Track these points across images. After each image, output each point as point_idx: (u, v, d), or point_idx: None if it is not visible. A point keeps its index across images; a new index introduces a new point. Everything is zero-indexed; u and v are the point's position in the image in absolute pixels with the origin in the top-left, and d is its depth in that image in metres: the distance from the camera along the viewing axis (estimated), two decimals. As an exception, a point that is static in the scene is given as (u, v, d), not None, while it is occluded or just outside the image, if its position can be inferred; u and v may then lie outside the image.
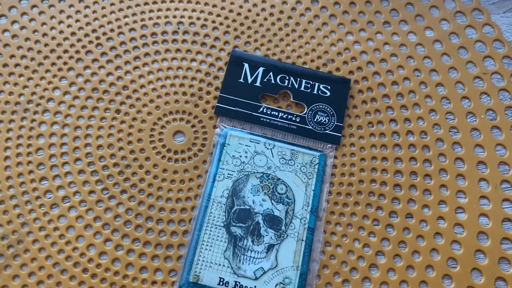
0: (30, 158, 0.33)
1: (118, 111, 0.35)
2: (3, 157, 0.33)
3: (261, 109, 0.35)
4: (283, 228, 0.32)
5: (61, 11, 0.37)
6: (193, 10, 0.38)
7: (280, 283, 0.31)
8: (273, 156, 0.34)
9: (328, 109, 0.35)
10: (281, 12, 0.38)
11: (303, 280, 0.31)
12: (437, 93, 0.37)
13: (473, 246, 0.33)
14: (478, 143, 0.35)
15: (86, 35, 0.37)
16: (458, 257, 0.33)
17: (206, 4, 0.38)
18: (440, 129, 0.36)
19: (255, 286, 0.31)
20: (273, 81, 0.36)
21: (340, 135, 0.35)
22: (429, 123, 0.36)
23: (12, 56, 0.36)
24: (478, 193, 0.34)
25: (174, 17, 0.38)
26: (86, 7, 0.38)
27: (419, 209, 0.34)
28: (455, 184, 0.34)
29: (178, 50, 0.37)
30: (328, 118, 0.35)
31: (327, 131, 0.35)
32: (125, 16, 0.37)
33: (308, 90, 0.36)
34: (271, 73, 0.36)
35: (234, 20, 0.38)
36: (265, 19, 0.38)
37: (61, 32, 0.37)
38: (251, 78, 0.36)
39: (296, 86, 0.36)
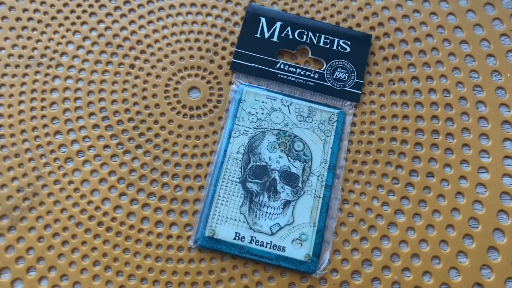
0: (44, 112, 0.33)
1: (132, 66, 0.34)
2: (18, 111, 0.33)
3: (278, 65, 0.34)
4: (300, 185, 0.31)
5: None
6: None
7: (297, 239, 0.30)
8: (290, 113, 0.33)
9: (348, 65, 0.34)
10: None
11: (320, 236, 0.30)
12: (461, 50, 0.35)
13: (496, 207, 0.32)
14: (503, 102, 0.34)
15: (100, -12, 0.36)
16: (480, 217, 0.32)
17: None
18: (464, 87, 0.34)
19: (271, 241, 0.30)
20: (291, 37, 0.35)
21: (360, 92, 0.34)
22: (452, 81, 0.34)
23: (25, 10, 0.35)
24: (502, 153, 0.33)
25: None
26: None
27: (440, 168, 0.33)
28: (478, 143, 0.33)
29: (193, 4, 0.36)
30: (347, 75, 0.34)
31: (346, 88, 0.34)
32: (139, -30, 0.36)
33: (327, 46, 0.35)
34: (288, 28, 0.35)
35: (251, -27, 0.37)
36: (283, -27, 0.37)
37: (74, -15, 0.36)
38: (268, 33, 0.35)
39: (315, 42, 0.35)
